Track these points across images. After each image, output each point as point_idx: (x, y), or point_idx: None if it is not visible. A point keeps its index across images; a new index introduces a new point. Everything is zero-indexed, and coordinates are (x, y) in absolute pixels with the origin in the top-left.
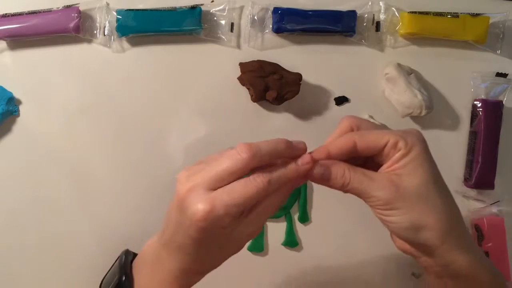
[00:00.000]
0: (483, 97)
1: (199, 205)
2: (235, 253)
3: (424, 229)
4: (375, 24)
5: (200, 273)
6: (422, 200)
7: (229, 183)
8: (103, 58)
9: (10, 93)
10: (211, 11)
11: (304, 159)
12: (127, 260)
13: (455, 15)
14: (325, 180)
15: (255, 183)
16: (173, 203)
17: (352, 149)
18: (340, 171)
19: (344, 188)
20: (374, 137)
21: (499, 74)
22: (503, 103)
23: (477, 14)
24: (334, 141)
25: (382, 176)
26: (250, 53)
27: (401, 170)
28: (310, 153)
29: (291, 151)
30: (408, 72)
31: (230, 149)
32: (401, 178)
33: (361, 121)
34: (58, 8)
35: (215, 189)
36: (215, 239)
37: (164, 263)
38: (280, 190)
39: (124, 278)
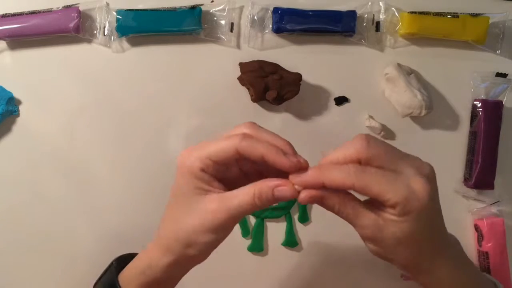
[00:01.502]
0: (483, 97)
1: (183, 151)
2: (196, 250)
3: (401, 266)
4: (375, 24)
5: (168, 251)
6: (402, 246)
7: None
8: (103, 58)
9: (10, 93)
10: (211, 11)
11: (295, 178)
12: (125, 255)
13: (455, 15)
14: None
15: (232, 138)
16: None
17: (349, 189)
18: (331, 203)
19: (332, 211)
20: (375, 189)
21: (499, 74)
22: (503, 103)
23: (477, 14)
24: (331, 172)
25: (370, 216)
26: (250, 53)
27: (390, 222)
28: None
29: (288, 151)
30: (408, 72)
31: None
32: (387, 226)
33: (373, 154)
34: (58, 8)
35: None
36: (185, 197)
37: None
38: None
39: (113, 262)
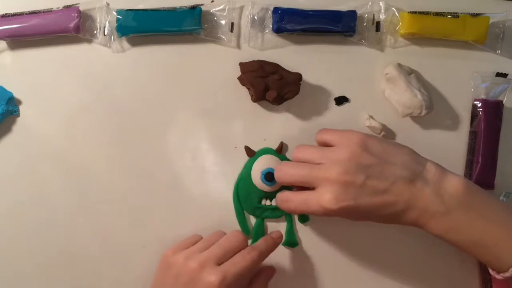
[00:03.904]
0: (483, 97)
1: (213, 277)
2: None
3: None
4: (375, 24)
5: None
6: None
7: (231, 257)
8: (103, 58)
9: (10, 93)
10: (211, 11)
11: (276, 233)
12: None
13: (455, 15)
14: None
15: (250, 256)
16: (173, 278)
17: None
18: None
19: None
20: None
21: (499, 74)
22: (503, 103)
23: (477, 14)
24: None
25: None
26: (250, 53)
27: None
28: None
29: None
30: (408, 72)
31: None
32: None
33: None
34: (58, 8)
35: (221, 263)
36: None
37: None
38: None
39: None
